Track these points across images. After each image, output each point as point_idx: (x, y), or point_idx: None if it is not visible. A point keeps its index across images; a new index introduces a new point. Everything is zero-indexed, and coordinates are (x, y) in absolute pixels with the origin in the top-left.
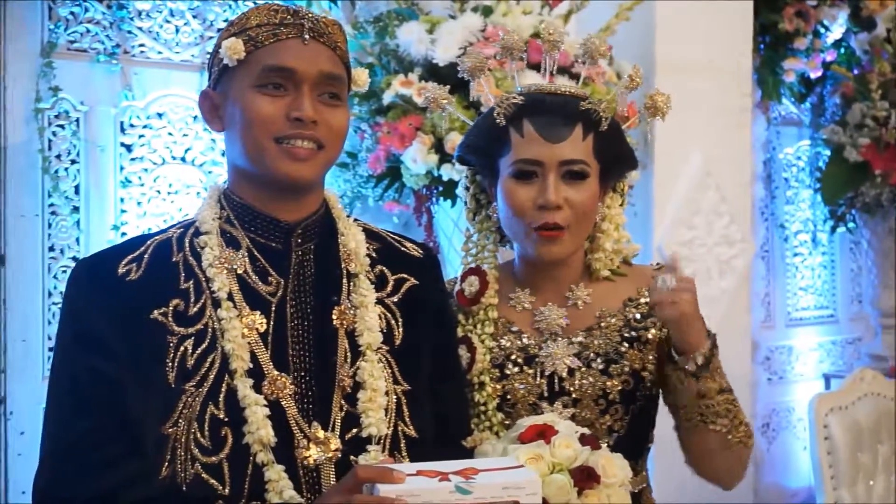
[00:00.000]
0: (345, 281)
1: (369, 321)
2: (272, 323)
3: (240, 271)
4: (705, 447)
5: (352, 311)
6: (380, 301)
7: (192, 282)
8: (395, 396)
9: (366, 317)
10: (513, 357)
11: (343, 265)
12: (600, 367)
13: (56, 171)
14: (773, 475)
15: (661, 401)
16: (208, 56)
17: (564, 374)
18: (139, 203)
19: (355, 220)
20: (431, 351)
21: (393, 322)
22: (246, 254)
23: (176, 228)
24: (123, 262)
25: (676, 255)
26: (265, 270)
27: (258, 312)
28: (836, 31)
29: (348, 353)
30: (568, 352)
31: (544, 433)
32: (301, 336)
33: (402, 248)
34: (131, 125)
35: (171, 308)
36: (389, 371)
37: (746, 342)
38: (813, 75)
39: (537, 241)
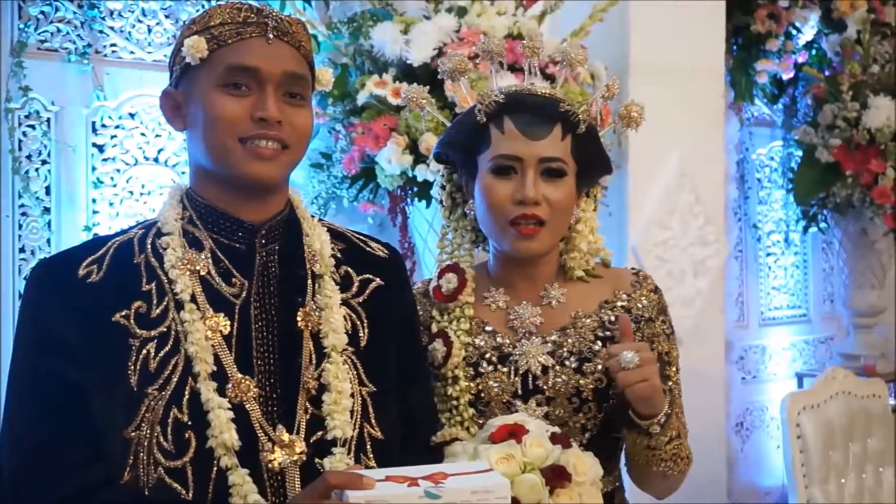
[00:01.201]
0: (309, 282)
1: (334, 323)
2: (236, 325)
3: (203, 273)
4: (645, 477)
5: (317, 313)
6: (345, 302)
7: (154, 283)
8: (360, 398)
9: (331, 318)
10: (487, 356)
11: (308, 266)
12: (574, 365)
13: (27, 172)
14: (747, 474)
15: None
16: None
17: (538, 373)
18: (111, 204)
19: (320, 220)
20: (397, 352)
21: (358, 323)
22: (209, 255)
23: (138, 229)
24: (84, 264)
25: (625, 318)
26: (229, 272)
27: (222, 314)
28: (808, 33)
29: (313, 355)
30: (542, 350)
31: (515, 433)
32: (265, 338)
33: (368, 249)
34: (103, 125)
35: (133, 310)
36: (355, 373)
37: (720, 342)
38: (785, 76)
39: (514, 236)
